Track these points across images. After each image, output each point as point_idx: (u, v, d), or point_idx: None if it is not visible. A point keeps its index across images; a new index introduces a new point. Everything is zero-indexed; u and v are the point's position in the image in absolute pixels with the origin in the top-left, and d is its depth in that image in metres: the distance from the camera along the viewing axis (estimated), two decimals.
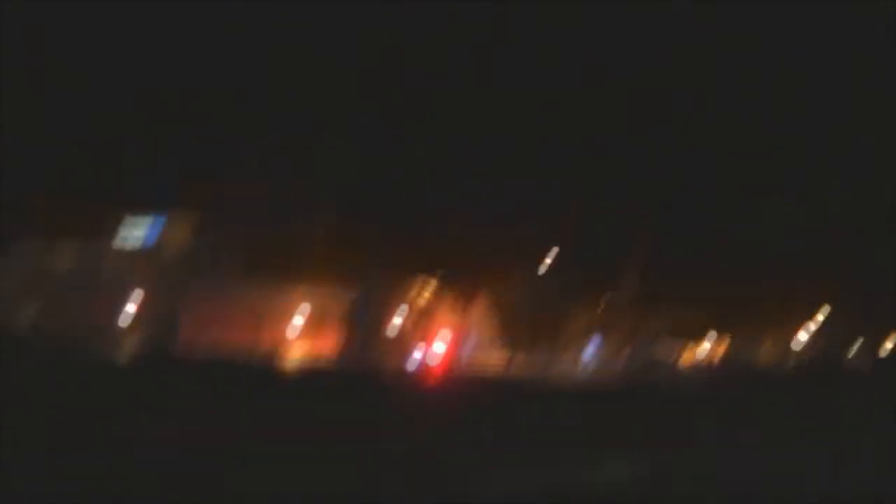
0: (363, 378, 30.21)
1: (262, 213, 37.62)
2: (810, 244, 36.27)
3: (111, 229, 39.59)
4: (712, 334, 41.64)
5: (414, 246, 37.27)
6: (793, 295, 38.49)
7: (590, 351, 41.17)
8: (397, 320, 38.41)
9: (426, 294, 40.06)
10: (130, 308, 33.55)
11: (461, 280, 39.50)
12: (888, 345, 42.62)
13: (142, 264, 35.53)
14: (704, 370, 40.48)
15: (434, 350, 37.41)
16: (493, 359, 38.32)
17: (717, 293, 37.81)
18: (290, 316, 35.70)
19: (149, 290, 33.10)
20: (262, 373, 29.91)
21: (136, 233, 39.41)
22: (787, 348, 41.32)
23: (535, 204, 36.60)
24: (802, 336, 41.81)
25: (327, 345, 37.37)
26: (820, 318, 40.70)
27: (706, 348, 42.23)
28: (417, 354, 36.98)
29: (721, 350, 42.57)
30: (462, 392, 27.65)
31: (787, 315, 40.29)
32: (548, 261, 38.04)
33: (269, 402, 22.18)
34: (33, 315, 32.60)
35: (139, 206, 38.03)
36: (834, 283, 37.13)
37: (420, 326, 40.15)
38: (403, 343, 38.02)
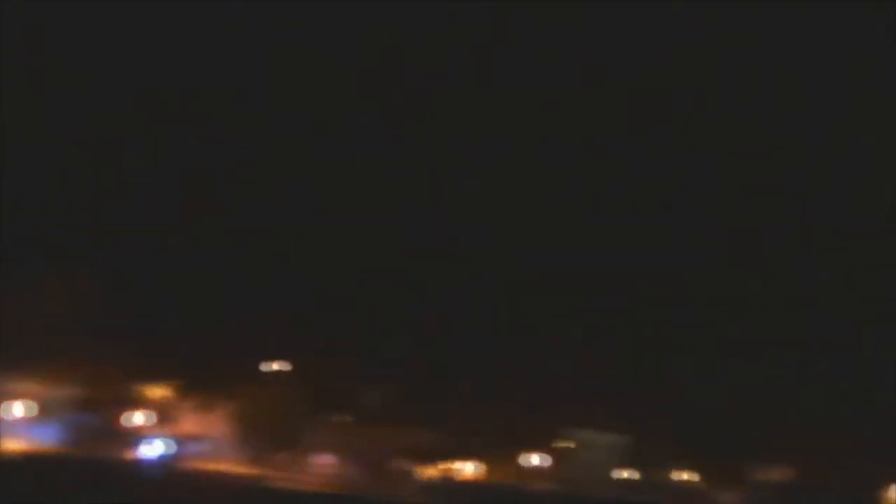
0: (83, 468, 30.17)
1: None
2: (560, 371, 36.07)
3: None
4: (458, 456, 41.81)
5: (153, 349, 36.62)
6: (532, 419, 38.42)
7: (322, 460, 41.13)
8: (130, 417, 38.12)
9: (162, 394, 39.84)
10: None
11: (200, 385, 39.30)
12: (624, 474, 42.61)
13: None
14: (445, 486, 40.61)
15: (159, 446, 37.29)
16: (224, 460, 38.41)
17: (459, 417, 37.91)
18: (11, 405, 35.13)
19: None
20: None
21: None
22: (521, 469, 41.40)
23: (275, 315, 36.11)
24: (534, 459, 41.81)
25: (51, 436, 36.85)
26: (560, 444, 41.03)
27: (451, 468, 42.28)
28: (143, 449, 36.83)
29: (468, 468, 42.67)
30: (179, 488, 28.17)
31: (526, 439, 40.25)
32: (284, 373, 38.07)
33: None
34: None
35: None
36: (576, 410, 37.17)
37: (152, 424, 39.78)
38: (130, 438, 37.74)
